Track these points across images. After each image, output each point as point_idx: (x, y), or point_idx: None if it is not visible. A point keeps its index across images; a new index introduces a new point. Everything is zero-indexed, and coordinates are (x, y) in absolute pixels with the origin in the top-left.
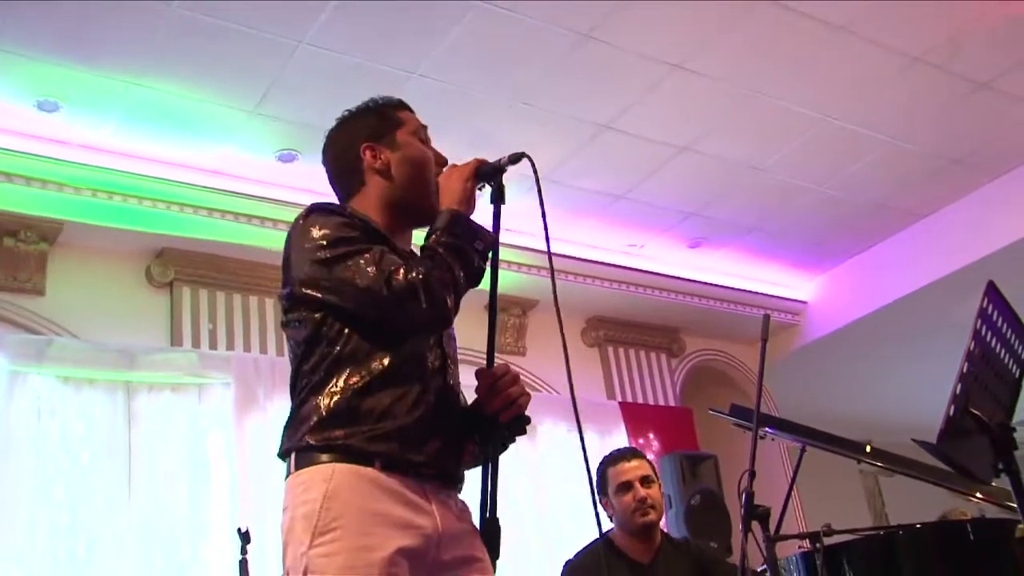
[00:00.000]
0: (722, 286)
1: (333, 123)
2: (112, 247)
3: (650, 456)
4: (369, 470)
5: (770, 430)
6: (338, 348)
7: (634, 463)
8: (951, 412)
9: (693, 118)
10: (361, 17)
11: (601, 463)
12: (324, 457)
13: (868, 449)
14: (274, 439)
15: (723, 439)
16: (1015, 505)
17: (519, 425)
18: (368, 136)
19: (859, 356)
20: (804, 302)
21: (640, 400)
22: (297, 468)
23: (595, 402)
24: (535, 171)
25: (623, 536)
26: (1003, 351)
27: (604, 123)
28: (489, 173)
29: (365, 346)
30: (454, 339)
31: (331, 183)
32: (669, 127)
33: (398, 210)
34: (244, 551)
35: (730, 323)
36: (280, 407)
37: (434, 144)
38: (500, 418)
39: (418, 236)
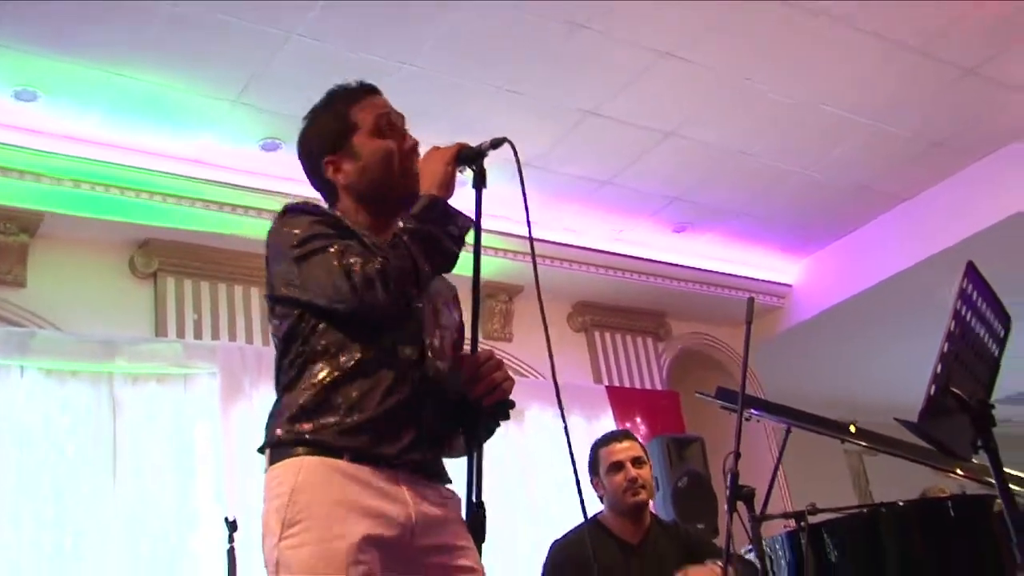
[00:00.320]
0: (707, 270)
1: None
2: (95, 238)
3: None
4: (339, 462)
5: (755, 412)
6: (312, 344)
7: (626, 444)
8: (932, 391)
9: (678, 104)
10: (347, 7)
11: (594, 444)
12: (296, 451)
13: (852, 429)
14: (260, 429)
15: (710, 422)
16: (994, 481)
17: (503, 410)
18: (327, 150)
19: (843, 338)
20: (789, 285)
21: (627, 384)
22: (271, 463)
23: (582, 386)
24: (516, 156)
25: (613, 517)
26: (982, 330)
27: (589, 109)
28: (470, 157)
29: (338, 341)
30: (452, 329)
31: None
32: (654, 113)
33: (375, 208)
34: (231, 540)
35: (716, 307)
36: (266, 396)
37: (420, 132)
38: (483, 403)
39: None
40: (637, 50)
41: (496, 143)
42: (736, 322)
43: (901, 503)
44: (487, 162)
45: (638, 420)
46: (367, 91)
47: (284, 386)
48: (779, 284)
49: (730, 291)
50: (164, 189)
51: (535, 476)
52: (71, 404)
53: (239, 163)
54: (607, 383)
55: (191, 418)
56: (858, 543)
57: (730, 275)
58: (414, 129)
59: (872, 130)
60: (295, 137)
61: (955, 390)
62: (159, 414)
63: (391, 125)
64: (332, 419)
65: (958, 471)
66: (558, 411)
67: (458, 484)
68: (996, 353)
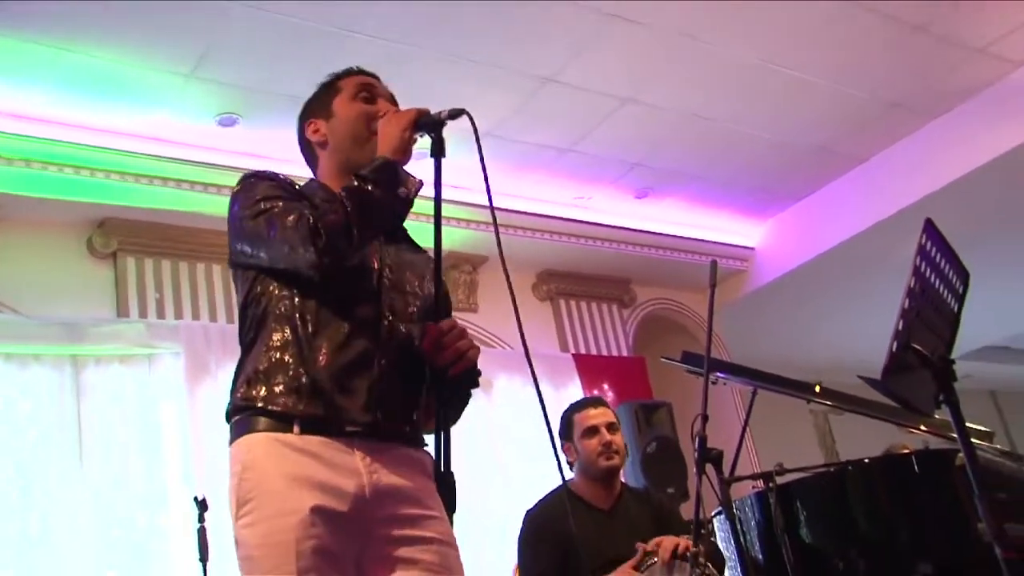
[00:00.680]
0: (670, 235)
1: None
2: (50, 219)
3: None
4: (287, 436)
5: (722, 375)
6: (263, 307)
7: (600, 410)
8: (894, 348)
9: (635, 69)
10: None
11: (567, 409)
12: (251, 423)
13: (817, 389)
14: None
15: (676, 387)
16: (956, 435)
17: (471, 378)
18: (310, 113)
19: (807, 299)
20: (751, 248)
21: (593, 351)
22: (231, 441)
23: (549, 355)
24: (474, 127)
25: (585, 483)
26: (942, 286)
27: (547, 76)
28: (428, 125)
29: (287, 303)
30: (422, 299)
31: None
32: (611, 79)
33: (345, 169)
34: (202, 519)
35: (679, 272)
36: (232, 375)
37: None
38: (450, 372)
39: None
40: (590, 13)
41: (454, 114)
42: (700, 287)
43: (867, 460)
44: (446, 132)
45: (605, 387)
46: (365, 72)
47: (244, 349)
48: (742, 247)
49: (693, 256)
50: (120, 167)
51: (504, 446)
52: (33, 388)
53: (196, 139)
54: (574, 351)
55: (156, 398)
56: (826, 501)
57: (693, 239)
58: None
59: (829, 91)
60: (253, 111)
61: (916, 346)
62: (124, 395)
63: (371, 94)
64: (283, 380)
65: (921, 427)
66: (526, 380)
67: None
68: (956, 309)
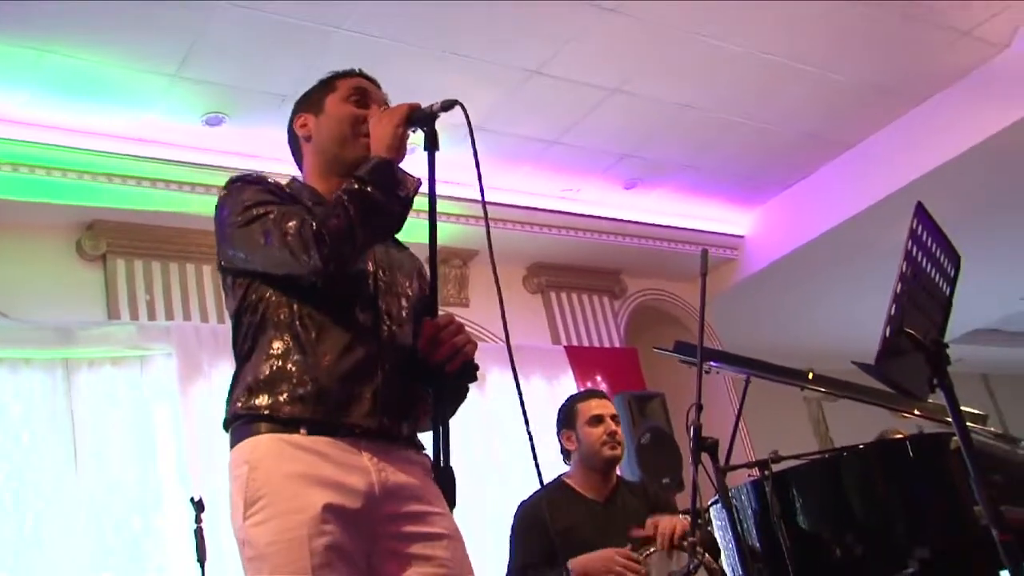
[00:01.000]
0: (660, 225)
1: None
2: (39, 222)
3: None
4: (294, 436)
5: (715, 364)
6: (260, 315)
7: (604, 401)
8: (887, 332)
9: (622, 59)
10: None
11: (570, 399)
12: (254, 427)
13: (810, 376)
14: (221, 406)
15: (669, 377)
16: (950, 419)
17: (469, 372)
18: (302, 108)
19: (798, 285)
20: (741, 236)
21: (585, 343)
22: (232, 444)
23: (541, 348)
24: (467, 118)
25: (582, 474)
26: (933, 270)
27: (534, 68)
28: (421, 119)
29: (285, 311)
30: (413, 299)
31: None
32: (599, 69)
33: (328, 169)
34: (199, 520)
35: (670, 262)
36: (225, 374)
37: None
38: (447, 368)
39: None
40: (577, 5)
41: (447, 105)
42: (690, 276)
43: (861, 446)
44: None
45: (598, 379)
46: (366, 76)
47: (241, 358)
48: (731, 236)
49: (683, 245)
50: (107, 169)
51: (500, 440)
52: (25, 392)
53: (183, 139)
54: (566, 343)
55: (149, 400)
56: (821, 488)
57: (683, 229)
58: None
59: (816, 77)
60: (239, 110)
61: (909, 330)
62: (117, 397)
63: (363, 99)
64: (287, 388)
65: (915, 411)
66: (520, 374)
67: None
68: (948, 292)
